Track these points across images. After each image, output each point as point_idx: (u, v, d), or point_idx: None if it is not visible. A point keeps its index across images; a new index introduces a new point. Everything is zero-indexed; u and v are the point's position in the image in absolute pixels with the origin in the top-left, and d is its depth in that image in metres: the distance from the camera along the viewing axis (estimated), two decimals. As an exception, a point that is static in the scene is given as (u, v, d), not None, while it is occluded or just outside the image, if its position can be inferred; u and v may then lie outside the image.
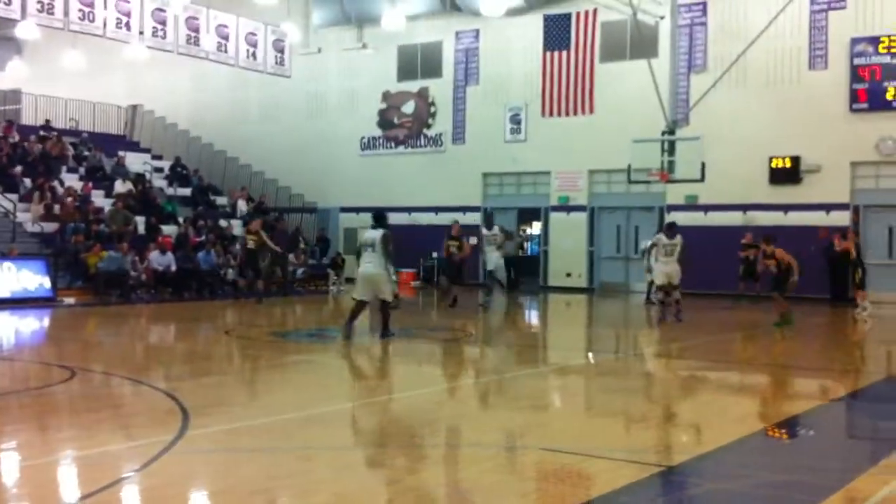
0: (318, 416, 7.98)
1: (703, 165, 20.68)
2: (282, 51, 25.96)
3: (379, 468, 6.47)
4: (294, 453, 6.59)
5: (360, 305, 13.29)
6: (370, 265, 12.92)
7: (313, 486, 5.77)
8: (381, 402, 8.88)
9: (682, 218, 21.86)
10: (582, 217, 26.08)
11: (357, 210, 28.72)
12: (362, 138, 29.73)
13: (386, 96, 29.48)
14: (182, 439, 6.78)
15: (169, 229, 24.55)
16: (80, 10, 20.97)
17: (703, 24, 24.43)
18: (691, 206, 24.06)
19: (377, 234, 13.02)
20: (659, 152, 21.45)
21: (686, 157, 21.04)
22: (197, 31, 23.45)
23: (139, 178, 27.13)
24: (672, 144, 21.36)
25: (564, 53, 23.82)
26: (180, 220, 25.70)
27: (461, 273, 20.16)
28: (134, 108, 32.51)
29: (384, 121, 29.55)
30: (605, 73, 24.34)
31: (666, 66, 22.26)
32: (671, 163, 21.34)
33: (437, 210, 27.59)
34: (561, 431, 7.62)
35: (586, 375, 11.38)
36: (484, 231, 20.11)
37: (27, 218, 22.90)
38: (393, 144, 29.40)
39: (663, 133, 21.61)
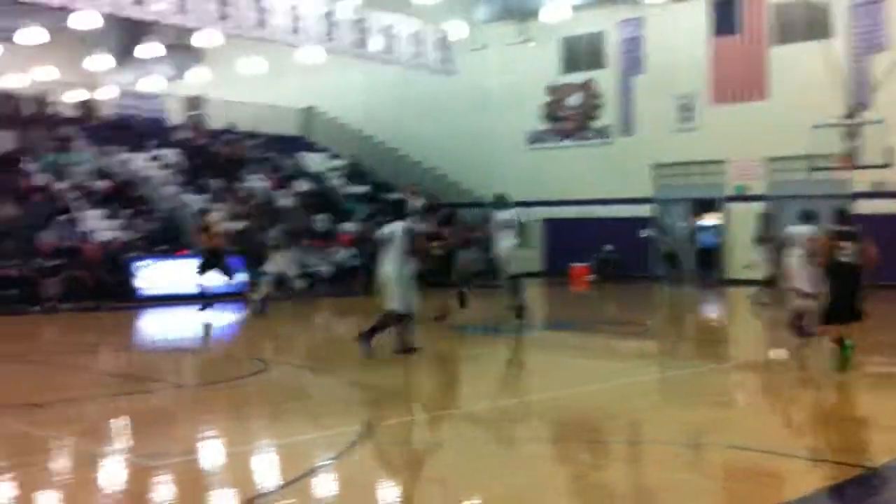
0: (498, 409, 8.16)
1: (893, 151, 19.71)
2: (446, 49, 26.38)
3: (562, 463, 6.56)
4: (476, 446, 6.77)
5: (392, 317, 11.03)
6: (385, 266, 10.88)
7: (496, 479, 5.92)
8: (559, 397, 8.97)
9: (869, 207, 20.87)
10: (760, 207, 25.27)
11: (527, 204, 28.85)
12: (528, 132, 29.83)
13: (550, 89, 29.45)
14: (371, 430, 7.08)
15: (348, 226, 25.42)
16: (255, 18, 21.95)
17: (877, 1, 23.18)
18: (880, 193, 22.87)
19: (397, 227, 11.01)
20: (841, 137, 20.58)
21: (870, 141, 20.10)
22: (365, 33, 24.15)
23: (317, 178, 28.17)
24: (854, 129, 20.44)
25: (733, 38, 23.19)
26: (359, 217, 26.53)
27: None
28: (309, 109, 33.72)
29: (550, 114, 29.53)
30: (777, 57, 23.51)
31: (842, 46, 21.29)
32: (854, 148, 20.43)
33: (607, 202, 27.38)
34: (747, 429, 7.47)
35: (770, 371, 11.11)
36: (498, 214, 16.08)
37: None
38: (560, 138, 29.36)
39: (844, 117, 20.71)
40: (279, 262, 17.19)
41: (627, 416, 8.03)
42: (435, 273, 14.91)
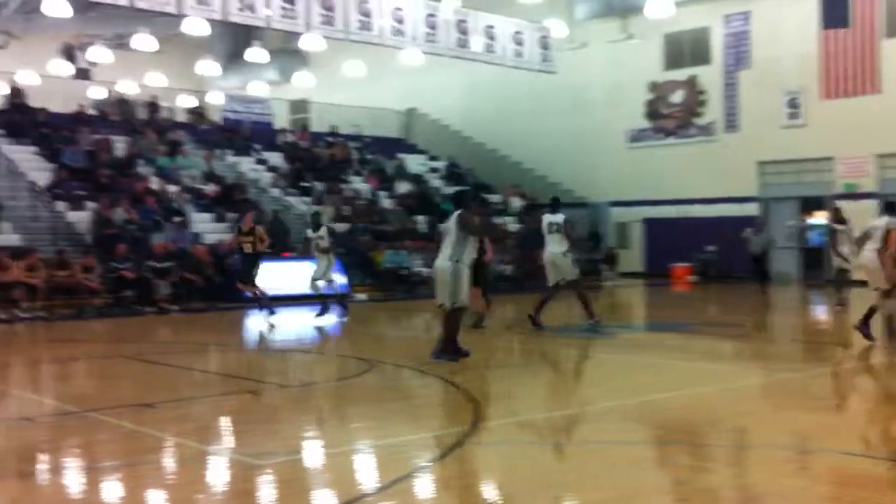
0: (601, 410, 8.11)
1: None
2: (547, 47, 26.31)
3: (664, 467, 6.48)
4: (580, 448, 6.75)
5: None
6: (439, 258, 10.48)
7: (600, 482, 5.89)
8: (662, 399, 8.84)
9: None
10: (872, 205, 24.45)
11: (628, 204, 28.60)
12: (629, 130, 29.50)
13: (653, 86, 29.07)
14: (475, 431, 7.13)
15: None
16: (359, 21, 22.29)
17: None
18: None
19: (453, 217, 10.42)
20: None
21: None
22: (466, 33, 24.27)
23: (417, 179, 28.42)
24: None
25: (844, 31, 22.48)
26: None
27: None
28: (410, 111, 34.03)
29: (652, 111, 29.16)
30: (891, 49, 22.69)
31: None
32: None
33: (709, 202, 26.88)
34: (858, 434, 7.27)
35: (883, 375, 10.75)
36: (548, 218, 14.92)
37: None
38: (662, 135, 28.95)
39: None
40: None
41: (732, 419, 7.87)
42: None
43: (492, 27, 24.82)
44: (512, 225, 27.46)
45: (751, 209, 25.81)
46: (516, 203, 29.13)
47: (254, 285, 16.62)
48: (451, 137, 32.94)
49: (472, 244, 10.34)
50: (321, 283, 16.57)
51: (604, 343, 13.37)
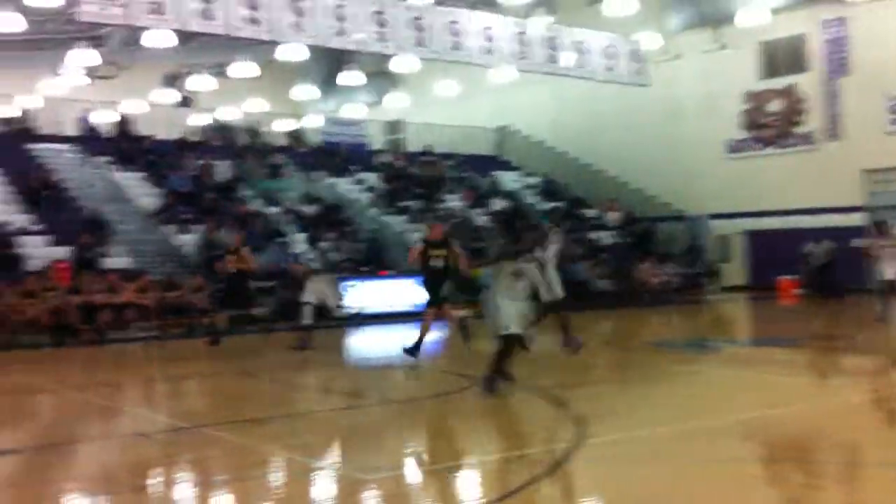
0: (708, 427, 7.98)
1: None
2: (639, 60, 26.12)
3: (776, 484, 6.35)
4: (687, 465, 6.66)
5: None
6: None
7: (709, 500, 5.81)
8: (769, 415, 8.66)
9: None
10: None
11: (728, 216, 28.08)
12: (727, 141, 29.01)
13: (749, 96, 28.54)
14: (580, 448, 7.10)
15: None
16: (451, 41, 22.51)
17: None
18: None
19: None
20: None
21: None
22: (556, 49, 24.27)
23: (512, 196, 28.47)
24: None
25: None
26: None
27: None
28: (503, 128, 34.13)
29: (749, 121, 28.61)
30: None
31: None
32: None
33: (813, 212, 26.19)
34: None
35: None
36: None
37: (417, 237, 24.86)
38: (762, 145, 28.38)
39: None
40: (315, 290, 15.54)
41: (841, 435, 7.67)
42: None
43: (582, 42, 24.76)
44: (608, 239, 27.26)
45: (856, 219, 25.04)
46: (613, 217, 28.90)
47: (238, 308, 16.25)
48: (544, 153, 32.89)
49: (507, 277, 9.57)
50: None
51: (708, 358, 13.16)
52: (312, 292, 15.19)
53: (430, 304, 13.25)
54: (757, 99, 28.34)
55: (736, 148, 28.85)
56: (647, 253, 26.19)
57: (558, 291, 11.96)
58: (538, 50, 23.86)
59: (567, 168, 32.02)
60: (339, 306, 16.68)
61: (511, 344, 9.48)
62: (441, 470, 6.88)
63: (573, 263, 23.49)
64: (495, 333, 9.50)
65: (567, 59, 24.33)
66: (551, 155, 32.70)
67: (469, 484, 6.60)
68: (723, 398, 9.84)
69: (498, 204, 27.52)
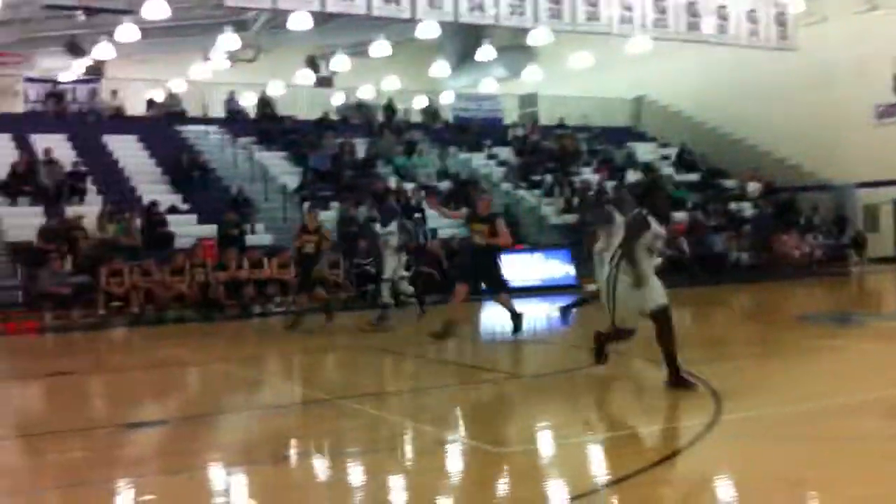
0: (848, 404, 7.69)
1: None
2: (784, 24, 25.12)
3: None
4: (829, 443, 6.44)
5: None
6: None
7: (853, 479, 5.62)
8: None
9: None
10: None
11: (876, 185, 26.82)
12: (877, 106, 27.65)
13: (901, 59, 27.13)
14: (716, 424, 6.97)
15: (680, 215, 25.01)
16: (587, 11, 22.20)
17: None
18: None
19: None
20: None
21: None
22: (697, 15, 23.60)
23: (648, 167, 27.99)
24: None
25: None
26: (689, 205, 26.04)
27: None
28: (639, 99, 33.51)
29: (901, 85, 27.20)
30: None
31: None
32: None
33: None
34: None
35: None
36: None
37: (551, 211, 24.84)
38: (913, 110, 26.96)
39: None
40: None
41: None
42: None
43: (724, 7, 23.99)
44: (749, 210, 26.49)
45: None
46: (753, 187, 28.03)
47: (311, 290, 15.45)
48: (682, 123, 32.15)
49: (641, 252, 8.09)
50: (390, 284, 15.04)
51: (853, 333, 12.68)
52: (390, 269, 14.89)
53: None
54: (910, 61, 26.90)
55: (886, 113, 27.48)
56: (790, 224, 25.32)
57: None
58: (678, 17, 23.27)
59: (705, 138, 31.24)
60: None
61: (669, 317, 8.17)
62: (572, 445, 6.88)
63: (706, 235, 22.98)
64: (641, 312, 8.18)
65: (708, 25, 23.64)
66: (689, 125, 31.96)
67: (599, 460, 6.58)
68: (866, 374, 9.46)
69: (633, 176, 27.09)
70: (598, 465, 6.41)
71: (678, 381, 8.09)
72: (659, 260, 8.68)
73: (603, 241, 11.08)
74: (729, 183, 28.78)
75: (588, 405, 8.33)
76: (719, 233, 23.55)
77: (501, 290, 12.56)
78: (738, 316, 15.11)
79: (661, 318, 8.10)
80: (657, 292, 8.16)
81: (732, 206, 26.52)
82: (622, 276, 8.05)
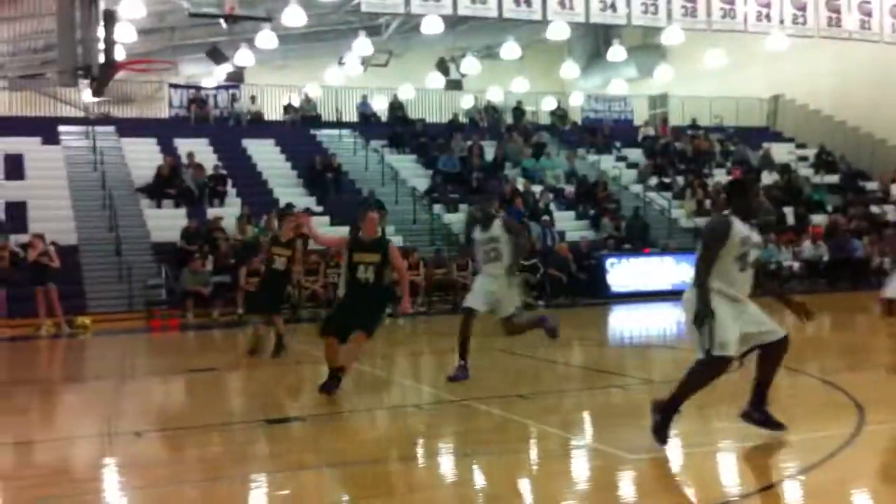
0: None
1: None
2: (931, 19, 23.94)
3: None
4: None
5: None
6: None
7: None
8: None
9: None
10: None
11: None
12: None
13: None
14: (857, 435, 6.74)
15: (818, 219, 24.18)
16: (722, 9, 21.68)
17: None
18: None
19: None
20: None
21: None
22: (838, 11, 22.75)
23: (784, 169, 27.14)
24: None
25: None
26: (829, 208, 25.14)
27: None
28: (776, 98, 32.53)
29: None
30: None
31: None
32: None
33: None
34: None
35: None
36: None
37: (682, 214, 24.39)
38: None
39: None
40: None
41: None
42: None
43: (868, 2, 23.04)
44: (892, 213, 25.37)
45: None
46: (897, 190, 26.86)
47: (269, 314, 12.44)
48: (821, 123, 31.03)
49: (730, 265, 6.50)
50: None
51: None
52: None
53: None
54: None
55: None
56: (935, 228, 24.12)
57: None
58: (818, 13, 22.49)
59: (846, 138, 30.08)
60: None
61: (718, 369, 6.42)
62: (703, 453, 6.77)
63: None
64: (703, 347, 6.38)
65: (850, 21, 22.76)
66: (828, 125, 30.83)
67: (731, 469, 6.45)
68: None
69: (769, 177, 26.32)
70: (730, 475, 6.28)
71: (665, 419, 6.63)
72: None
73: None
74: (870, 185, 27.62)
75: (719, 413, 8.14)
76: (860, 237, 22.63)
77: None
78: (880, 323, 14.47)
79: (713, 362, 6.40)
80: (731, 330, 6.37)
81: (874, 209, 25.44)
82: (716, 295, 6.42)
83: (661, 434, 6.50)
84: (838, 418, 7.24)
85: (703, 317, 6.29)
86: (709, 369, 6.41)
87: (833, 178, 27.75)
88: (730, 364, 6.47)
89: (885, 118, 29.21)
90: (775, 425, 6.69)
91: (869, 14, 23.03)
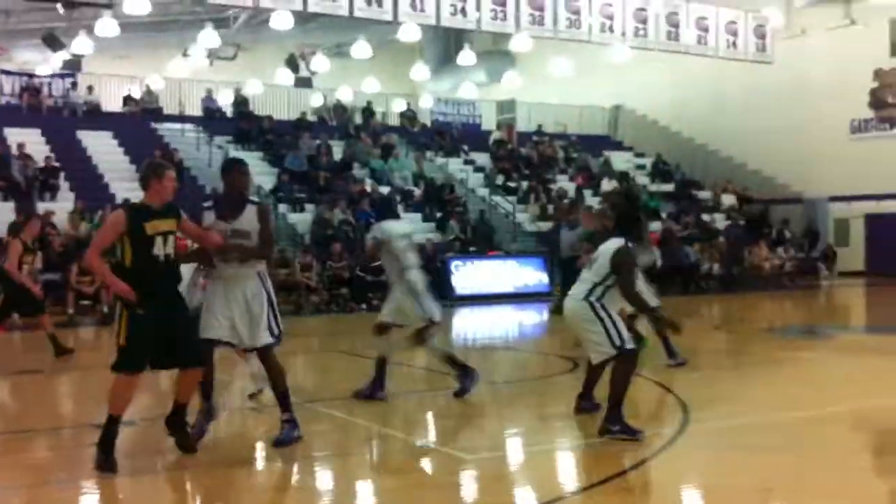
0: (818, 416, 7.80)
1: None
2: (763, 37, 25.35)
3: (885, 475, 6.20)
4: (794, 455, 6.52)
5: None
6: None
7: (814, 491, 5.70)
8: (883, 405, 8.38)
9: None
10: None
11: (848, 199, 27.12)
12: (852, 121, 27.95)
13: (878, 74, 27.41)
14: (682, 434, 7.04)
15: (654, 225, 25.13)
16: (568, 19, 22.29)
17: None
18: None
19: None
20: None
21: None
22: (677, 26, 23.74)
23: (623, 176, 28.14)
24: None
25: None
26: (663, 215, 26.19)
27: None
28: (617, 108, 33.68)
29: (876, 101, 27.49)
30: None
31: None
32: None
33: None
34: None
35: None
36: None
37: (525, 218, 24.92)
38: (887, 126, 27.25)
39: None
40: None
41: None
42: None
43: (704, 18, 24.15)
44: (721, 222, 26.68)
45: None
46: (727, 199, 28.27)
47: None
48: (658, 133, 32.34)
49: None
50: None
51: (820, 345, 12.81)
52: None
53: None
54: (886, 77, 27.22)
55: (861, 128, 27.79)
56: (761, 236, 25.55)
57: None
58: (658, 27, 23.41)
59: (681, 149, 31.45)
60: None
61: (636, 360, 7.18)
62: (540, 452, 6.92)
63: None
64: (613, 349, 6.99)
65: (688, 36, 23.79)
66: (667, 135, 32.16)
67: (567, 467, 6.63)
68: (833, 386, 9.58)
69: (608, 184, 27.22)
70: (565, 474, 6.45)
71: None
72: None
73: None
74: (703, 194, 28.99)
75: (556, 413, 8.32)
76: (692, 244, 23.70)
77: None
78: (707, 327, 15.21)
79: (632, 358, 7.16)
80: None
81: (705, 217, 26.70)
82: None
83: (630, 431, 6.85)
84: (664, 417, 7.52)
85: (666, 325, 7.49)
86: (629, 363, 7.05)
87: (668, 187, 28.92)
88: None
89: (718, 130, 30.70)
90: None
91: (706, 30, 24.16)
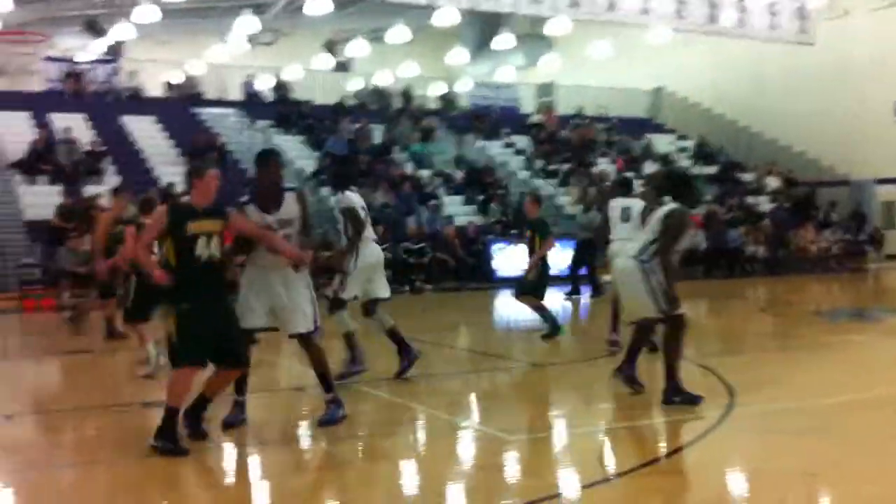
0: (863, 400, 7.68)
1: None
2: (804, 18, 24.96)
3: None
4: (840, 439, 6.43)
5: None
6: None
7: (869, 474, 5.62)
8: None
9: None
10: None
11: (895, 181, 26.67)
12: (896, 103, 27.46)
13: (922, 55, 26.90)
14: (728, 417, 6.97)
15: (697, 209, 24.92)
16: (606, 1, 22.10)
17: None
18: None
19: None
20: None
21: None
22: (717, 7, 23.46)
23: (665, 159, 27.89)
24: None
25: None
26: (707, 198, 25.93)
27: None
28: (658, 90, 33.34)
29: (921, 82, 26.98)
30: None
31: None
32: None
33: None
34: None
35: None
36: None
37: (566, 201, 24.80)
38: (936, 107, 26.74)
39: None
40: None
41: None
42: None
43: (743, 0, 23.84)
44: (766, 204, 26.38)
45: None
46: (772, 182, 27.92)
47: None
48: (700, 116, 31.97)
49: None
50: None
51: (868, 328, 12.62)
52: None
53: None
54: (931, 58, 26.68)
55: (905, 110, 27.28)
56: (807, 219, 25.21)
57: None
58: (698, 8, 23.14)
59: (724, 131, 31.07)
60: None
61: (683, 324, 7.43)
62: (586, 434, 6.90)
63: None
64: (659, 312, 7.26)
65: (728, 17, 23.49)
66: (708, 117, 31.79)
67: (611, 449, 6.59)
68: (881, 369, 9.44)
69: (651, 167, 26.99)
70: (609, 456, 6.43)
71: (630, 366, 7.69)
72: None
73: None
74: (747, 176, 28.64)
75: (601, 395, 8.31)
76: (736, 227, 23.46)
77: None
78: (753, 310, 15.04)
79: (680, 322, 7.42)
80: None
81: (750, 199, 26.40)
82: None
83: (690, 398, 7.21)
84: (710, 401, 7.44)
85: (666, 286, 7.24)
86: (677, 328, 7.37)
87: (711, 170, 28.60)
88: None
89: (761, 112, 30.29)
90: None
91: (746, 11, 23.83)
